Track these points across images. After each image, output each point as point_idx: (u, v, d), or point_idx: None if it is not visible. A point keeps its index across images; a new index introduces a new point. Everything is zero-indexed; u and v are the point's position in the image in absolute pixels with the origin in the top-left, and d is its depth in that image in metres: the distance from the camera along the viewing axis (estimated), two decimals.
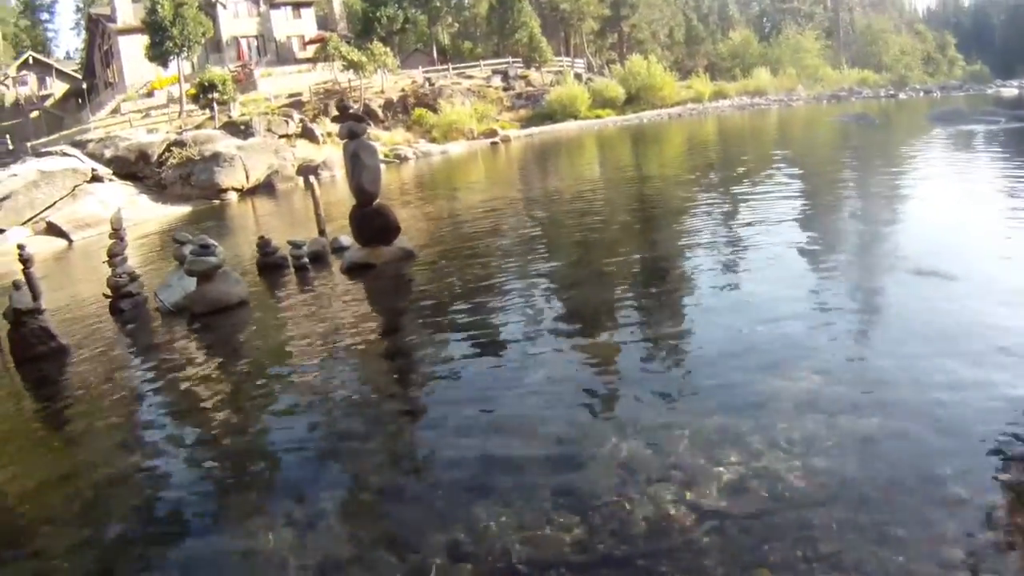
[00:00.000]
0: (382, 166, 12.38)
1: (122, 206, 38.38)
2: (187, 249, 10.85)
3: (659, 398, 5.64)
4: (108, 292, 12.36)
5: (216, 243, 12.80)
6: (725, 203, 14.15)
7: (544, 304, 8.73)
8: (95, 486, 5.65)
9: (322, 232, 16.78)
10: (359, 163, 11.65)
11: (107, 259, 12.23)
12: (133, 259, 23.30)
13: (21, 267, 14.26)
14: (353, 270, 11.64)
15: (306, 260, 12.71)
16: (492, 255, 11.86)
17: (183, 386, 7.80)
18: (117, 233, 12.25)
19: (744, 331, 6.81)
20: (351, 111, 12.02)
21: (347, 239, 13.26)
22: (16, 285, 10.37)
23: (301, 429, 6.12)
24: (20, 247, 14.34)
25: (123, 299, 12.25)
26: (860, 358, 5.95)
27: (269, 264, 13.13)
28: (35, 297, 14.38)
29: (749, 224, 11.73)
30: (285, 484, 5.27)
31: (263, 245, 13.20)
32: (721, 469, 4.51)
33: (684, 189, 16.66)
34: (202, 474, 5.66)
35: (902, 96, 64.31)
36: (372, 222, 11.71)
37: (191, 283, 10.81)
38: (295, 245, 12.64)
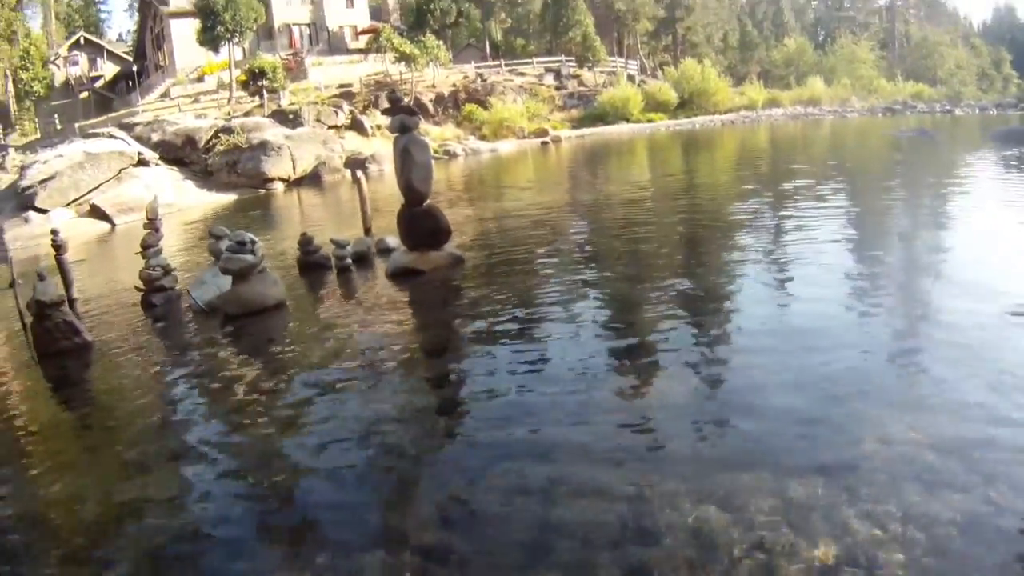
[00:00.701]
0: (433, 163, 11.51)
1: (167, 191, 38.52)
2: (223, 244, 10.10)
3: (732, 446, 4.91)
4: (140, 285, 11.71)
5: (255, 239, 12.11)
6: (783, 218, 12.95)
7: (593, 322, 7.83)
8: (103, 510, 4.98)
9: (368, 230, 16.02)
10: (410, 159, 10.76)
11: (140, 250, 11.56)
12: (174, 247, 22.96)
13: (54, 253, 13.73)
14: (399, 275, 10.79)
15: (349, 261, 11.91)
16: (542, 264, 10.94)
17: (208, 395, 7.09)
18: (152, 223, 11.57)
19: (819, 368, 5.96)
20: (403, 103, 11.16)
21: (394, 240, 12.43)
22: (40, 275, 9.70)
23: (335, 452, 5.43)
24: (54, 232, 13.72)
25: (155, 293, 11.60)
26: (951, 408, 5.11)
27: (310, 263, 12.36)
28: (67, 286, 13.80)
29: (830, 240, 10.64)
30: (316, 520, 4.62)
31: (305, 243, 12.43)
32: (811, 548, 3.77)
33: (739, 201, 15.50)
34: (225, 499, 4.99)
35: (957, 112, 62.16)
36: (421, 224, 10.84)
37: (226, 281, 10.06)
38: (338, 245, 11.84)
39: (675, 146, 38.89)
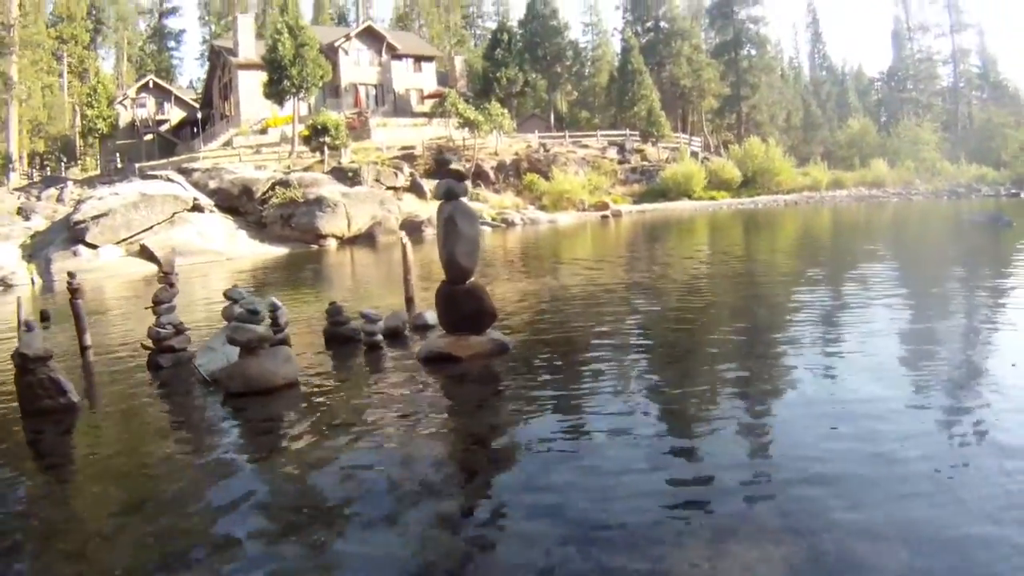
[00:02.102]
0: (485, 231, 10.17)
1: (219, 239, 38.13)
2: (238, 310, 8.85)
3: None
4: (147, 343, 10.56)
5: (279, 304, 10.91)
6: (868, 319, 10.77)
7: (645, 437, 6.30)
8: None
9: (409, 300, 14.80)
10: (454, 230, 9.45)
11: (151, 305, 10.43)
12: (213, 299, 22.00)
13: (69, 297, 12.72)
14: (432, 361, 9.36)
15: (380, 338, 10.59)
16: (593, 357, 9.41)
17: (189, 489, 5.84)
18: (167, 277, 10.48)
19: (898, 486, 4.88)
20: (451, 166, 9.93)
21: (433, 316, 11.10)
22: (28, 325, 8.57)
23: None
24: (70, 275, 12.80)
25: (164, 354, 10.41)
26: None
27: (338, 336, 11.10)
28: (80, 332, 12.80)
29: (908, 338, 8.91)
30: None
31: (333, 312, 11.19)
32: None
33: (805, 294, 13.60)
34: None
35: (1023, 195, 59.51)
36: (462, 305, 9.44)
37: (235, 351, 8.80)
38: (368, 319, 10.48)
39: (738, 226, 37.20)
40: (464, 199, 9.82)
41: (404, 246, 15.20)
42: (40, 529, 5.37)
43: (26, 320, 8.61)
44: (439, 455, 6.38)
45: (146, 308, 10.59)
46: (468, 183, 10.13)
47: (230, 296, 8.88)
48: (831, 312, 11.73)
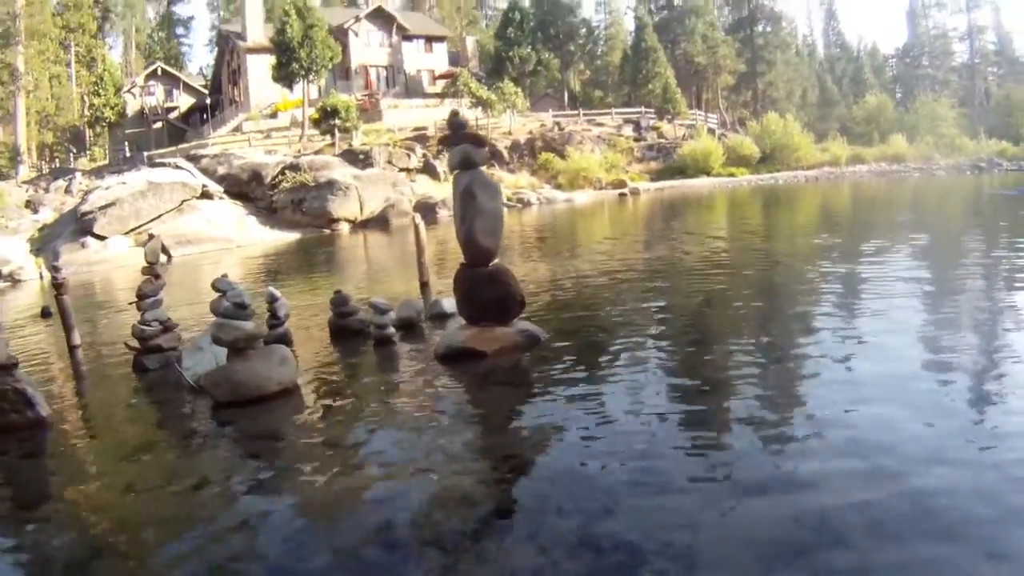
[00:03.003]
0: (504, 210, 8.85)
1: (228, 226, 37.13)
2: (225, 303, 7.66)
3: None
4: (132, 343, 9.43)
5: (277, 296, 9.77)
6: (908, 311, 9.45)
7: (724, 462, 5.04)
8: None
9: (424, 285, 13.62)
10: (473, 205, 8.15)
11: (135, 300, 9.29)
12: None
13: (54, 293, 11.63)
14: (452, 358, 8.05)
15: (391, 331, 9.33)
16: (632, 345, 8.22)
17: (153, 536, 4.72)
18: (151, 268, 9.34)
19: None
20: (466, 130, 8.63)
21: (451, 303, 9.86)
22: None
23: None
24: (55, 270, 11.70)
25: (150, 354, 9.27)
26: None
27: (343, 328, 9.92)
28: (67, 330, 11.70)
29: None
30: None
31: (338, 302, 9.99)
32: None
33: (834, 277, 12.19)
34: None
35: None
36: (485, 290, 8.14)
37: (225, 353, 7.63)
38: (378, 309, 9.19)
39: (759, 203, 35.55)
40: (482, 170, 8.53)
41: (416, 226, 14.01)
42: None
43: None
44: (466, 489, 5.06)
45: (130, 303, 9.43)
46: (487, 151, 8.82)
47: (218, 287, 7.69)
48: (886, 288, 10.39)
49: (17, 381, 7.43)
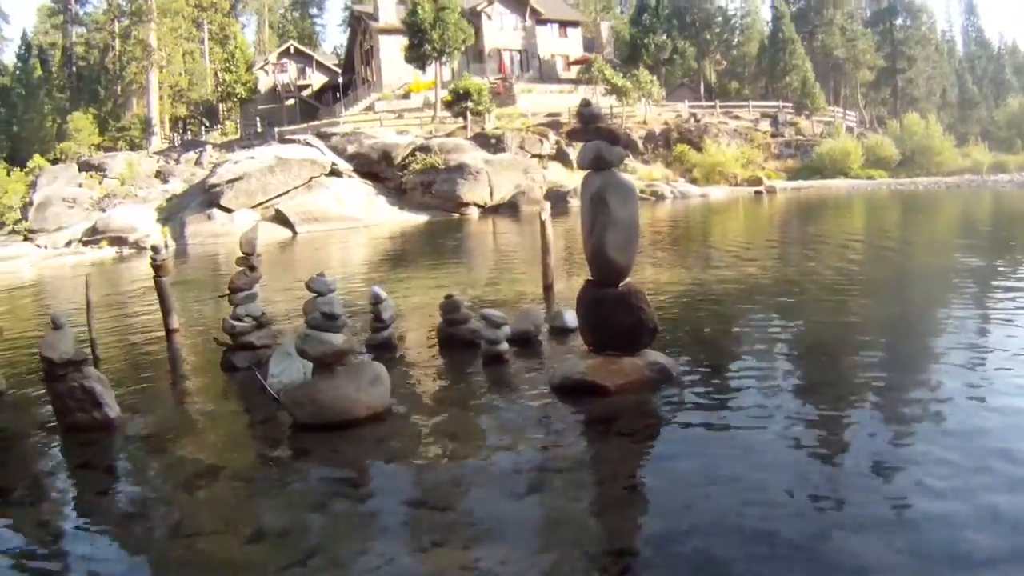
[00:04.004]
0: (639, 215, 7.43)
1: (356, 206, 37.06)
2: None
3: None
4: (220, 339, 8.68)
5: (382, 296, 8.84)
6: None
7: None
8: None
9: (547, 288, 12.46)
10: (604, 213, 6.84)
11: (227, 293, 8.53)
12: (346, 268, 20.40)
13: (153, 275, 11.11)
14: (570, 391, 6.76)
15: (504, 347, 8.12)
16: (757, 377, 6.93)
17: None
18: (246, 260, 8.52)
19: None
20: (600, 124, 7.36)
21: (575, 316, 8.53)
22: (55, 322, 6.75)
23: None
24: (154, 250, 11.15)
25: (240, 351, 8.50)
26: None
27: (452, 337, 8.88)
28: (165, 313, 11.18)
29: None
30: None
31: (449, 308, 8.93)
32: None
33: (990, 304, 10.08)
34: None
35: None
36: (613, 316, 6.84)
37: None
38: (491, 322, 8.02)
39: (900, 210, 32.08)
40: (616, 171, 7.22)
41: (543, 223, 12.78)
42: None
43: (53, 316, 6.78)
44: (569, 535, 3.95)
45: (220, 297, 8.67)
46: (624, 150, 7.48)
47: (312, 288, 6.75)
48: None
49: (86, 378, 6.77)
